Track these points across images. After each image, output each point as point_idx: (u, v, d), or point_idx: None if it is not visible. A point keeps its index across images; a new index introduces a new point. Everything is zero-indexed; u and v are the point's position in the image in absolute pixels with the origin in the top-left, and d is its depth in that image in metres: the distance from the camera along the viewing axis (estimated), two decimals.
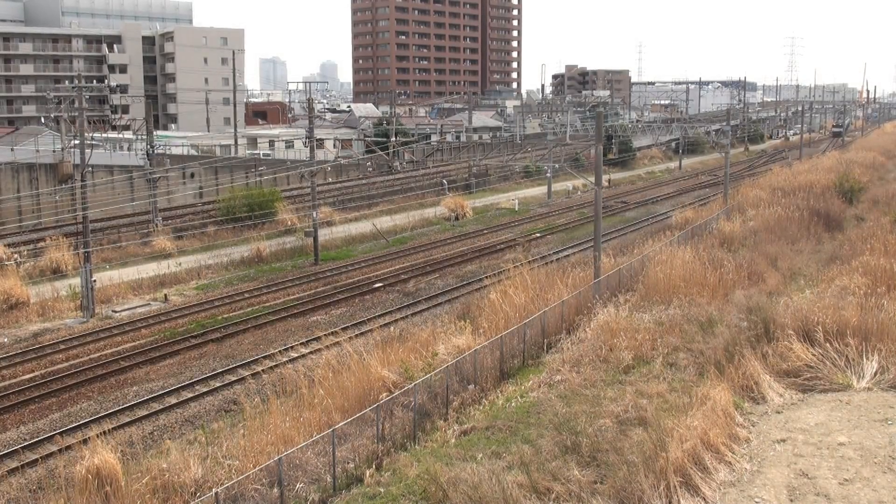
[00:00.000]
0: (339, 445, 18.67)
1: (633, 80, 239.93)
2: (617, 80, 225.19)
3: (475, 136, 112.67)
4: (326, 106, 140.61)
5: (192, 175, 64.75)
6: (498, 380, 24.47)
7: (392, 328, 32.71)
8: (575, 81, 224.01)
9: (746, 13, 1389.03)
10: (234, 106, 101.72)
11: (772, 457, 18.21)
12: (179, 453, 19.69)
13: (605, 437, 18.66)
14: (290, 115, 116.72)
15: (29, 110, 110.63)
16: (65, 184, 54.79)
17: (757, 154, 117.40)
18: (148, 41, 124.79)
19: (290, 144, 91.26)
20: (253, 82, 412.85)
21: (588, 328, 27.74)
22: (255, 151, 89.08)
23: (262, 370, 28.64)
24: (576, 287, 31.96)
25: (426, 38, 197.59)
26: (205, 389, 27.08)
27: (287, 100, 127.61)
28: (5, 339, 32.17)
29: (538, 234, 54.25)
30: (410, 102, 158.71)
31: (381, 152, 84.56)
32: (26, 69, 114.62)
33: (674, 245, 38.65)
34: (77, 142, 41.12)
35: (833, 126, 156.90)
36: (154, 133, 53.18)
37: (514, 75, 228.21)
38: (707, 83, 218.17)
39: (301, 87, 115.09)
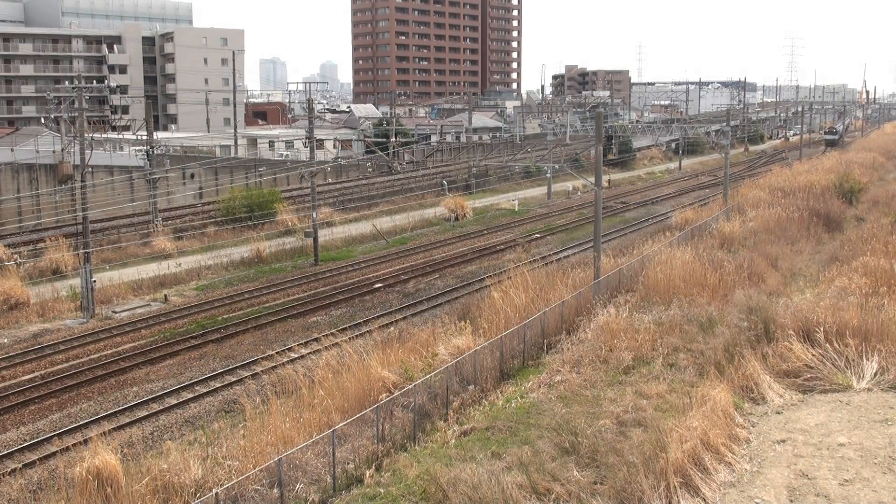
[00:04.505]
0: (338, 446, 18.68)
1: (633, 80, 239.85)
2: (617, 80, 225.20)
3: (475, 137, 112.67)
4: (326, 106, 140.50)
5: (192, 175, 64.78)
6: (498, 380, 24.46)
7: (392, 328, 32.68)
8: (575, 82, 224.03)
9: (746, 13, 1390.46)
10: (234, 106, 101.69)
11: (772, 457, 18.22)
12: (179, 454, 19.67)
13: (605, 437, 18.67)
14: (290, 116, 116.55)
15: (29, 111, 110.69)
16: (65, 184, 54.79)
17: (757, 154, 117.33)
18: (148, 42, 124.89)
19: (290, 145, 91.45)
20: (253, 83, 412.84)
21: (588, 329, 27.74)
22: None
23: (262, 371, 28.63)
24: (576, 287, 31.95)
25: (426, 39, 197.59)
26: (205, 390, 27.09)
27: (287, 100, 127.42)
28: (5, 340, 32.17)
29: (538, 235, 54.25)
30: (410, 103, 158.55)
31: (380, 153, 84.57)
32: (26, 70, 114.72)
33: (674, 245, 38.64)
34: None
35: (826, 132, 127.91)
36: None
37: (514, 76, 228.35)
38: (707, 83, 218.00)
39: (301, 87, 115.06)
